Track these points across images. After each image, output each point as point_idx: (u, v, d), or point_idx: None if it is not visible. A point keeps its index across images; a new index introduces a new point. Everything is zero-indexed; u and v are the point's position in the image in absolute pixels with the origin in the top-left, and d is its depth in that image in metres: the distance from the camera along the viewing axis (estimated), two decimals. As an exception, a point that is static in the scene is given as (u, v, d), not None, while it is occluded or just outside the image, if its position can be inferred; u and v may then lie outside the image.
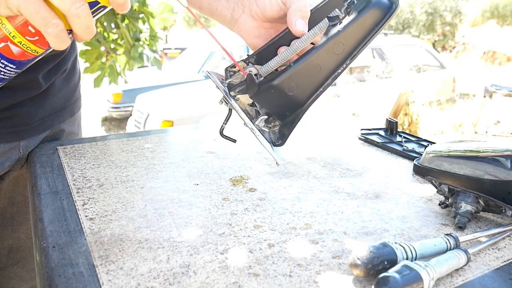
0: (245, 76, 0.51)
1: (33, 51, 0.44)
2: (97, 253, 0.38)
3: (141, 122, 3.64)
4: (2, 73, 0.45)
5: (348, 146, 0.73)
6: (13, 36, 0.42)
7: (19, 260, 0.77)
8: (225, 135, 0.56)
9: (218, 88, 0.52)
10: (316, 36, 0.49)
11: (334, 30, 0.48)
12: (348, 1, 0.49)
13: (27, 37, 0.42)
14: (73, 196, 0.49)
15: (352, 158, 0.66)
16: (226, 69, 0.54)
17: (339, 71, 0.49)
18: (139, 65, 2.05)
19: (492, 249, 0.42)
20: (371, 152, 0.70)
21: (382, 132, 0.78)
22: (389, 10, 0.48)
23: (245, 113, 0.51)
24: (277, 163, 0.52)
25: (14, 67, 0.45)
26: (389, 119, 0.78)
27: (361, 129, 0.78)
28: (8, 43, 0.42)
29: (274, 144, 0.52)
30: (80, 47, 1.91)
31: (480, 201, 0.46)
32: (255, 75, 0.51)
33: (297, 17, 0.49)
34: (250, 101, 0.53)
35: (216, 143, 0.72)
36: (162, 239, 0.41)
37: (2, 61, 0.44)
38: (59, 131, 0.72)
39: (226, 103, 0.53)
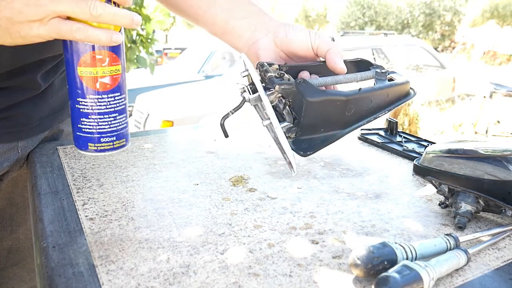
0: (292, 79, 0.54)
1: (114, 70, 0.47)
2: (97, 253, 0.38)
3: (141, 122, 3.64)
4: (116, 104, 0.48)
5: (348, 146, 0.73)
6: (97, 72, 0.46)
7: (18, 260, 0.77)
8: (223, 125, 0.56)
9: (252, 78, 0.53)
10: (357, 80, 0.58)
11: (386, 83, 0.58)
12: (377, 69, 0.60)
13: (103, 65, 0.45)
14: (73, 196, 0.49)
15: (352, 158, 0.66)
16: (261, 64, 0.56)
17: (377, 115, 0.58)
18: (135, 67, 2.05)
19: (492, 249, 0.42)
20: (371, 152, 0.70)
21: (382, 132, 0.78)
22: (411, 94, 0.61)
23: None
24: (293, 172, 0.52)
25: (118, 94, 0.48)
26: (389, 119, 0.78)
27: (361, 129, 0.78)
28: (98, 80, 0.46)
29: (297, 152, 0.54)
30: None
31: (480, 201, 0.46)
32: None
33: (338, 57, 0.57)
34: (273, 103, 0.53)
35: (216, 143, 0.72)
36: (162, 239, 0.41)
37: (109, 95, 0.47)
38: (58, 131, 0.72)
39: (250, 93, 0.54)
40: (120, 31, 0.46)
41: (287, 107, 0.54)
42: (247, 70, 0.54)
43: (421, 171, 0.57)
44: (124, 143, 0.51)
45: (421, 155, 0.59)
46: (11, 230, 0.74)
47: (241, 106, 0.55)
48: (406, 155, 0.67)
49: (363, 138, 0.75)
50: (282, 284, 0.35)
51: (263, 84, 0.52)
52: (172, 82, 4.51)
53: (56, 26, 0.41)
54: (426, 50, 5.28)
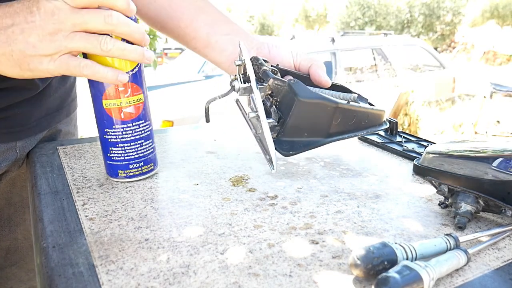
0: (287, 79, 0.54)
1: (137, 100, 0.50)
2: (97, 253, 0.38)
3: (141, 122, 3.63)
4: (141, 131, 0.51)
5: (348, 146, 0.73)
6: (120, 103, 0.48)
7: (17, 261, 0.77)
8: (208, 110, 0.57)
9: (246, 68, 0.53)
10: (340, 99, 0.58)
11: (368, 105, 0.60)
12: (356, 96, 0.62)
13: (126, 95, 0.48)
14: (73, 196, 0.49)
15: (352, 158, 0.66)
16: (255, 58, 0.56)
17: (356, 133, 0.59)
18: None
19: (492, 249, 0.42)
20: (371, 152, 0.70)
21: (382, 132, 0.78)
22: (383, 124, 0.63)
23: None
24: (272, 168, 0.52)
25: (142, 121, 0.51)
26: (389, 119, 0.78)
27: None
28: (123, 110, 0.49)
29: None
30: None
31: (480, 201, 0.46)
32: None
33: (322, 71, 0.59)
34: (261, 98, 0.54)
35: (216, 143, 0.72)
36: (162, 239, 0.41)
37: (134, 124, 0.50)
38: (56, 131, 0.72)
39: (242, 82, 0.54)
40: (138, 66, 0.48)
41: (274, 105, 0.54)
42: (241, 60, 0.54)
43: (421, 171, 0.57)
44: (152, 167, 0.55)
45: (421, 155, 0.59)
46: (9, 230, 0.74)
47: (228, 94, 0.56)
48: (406, 155, 0.67)
49: (363, 138, 0.75)
50: (282, 284, 0.35)
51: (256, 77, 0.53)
52: (172, 82, 4.51)
53: (65, 62, 0.43)
54: (426, 50, 5.27)
